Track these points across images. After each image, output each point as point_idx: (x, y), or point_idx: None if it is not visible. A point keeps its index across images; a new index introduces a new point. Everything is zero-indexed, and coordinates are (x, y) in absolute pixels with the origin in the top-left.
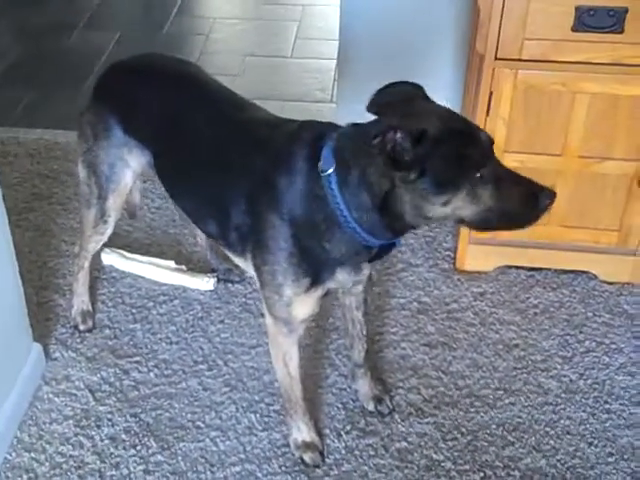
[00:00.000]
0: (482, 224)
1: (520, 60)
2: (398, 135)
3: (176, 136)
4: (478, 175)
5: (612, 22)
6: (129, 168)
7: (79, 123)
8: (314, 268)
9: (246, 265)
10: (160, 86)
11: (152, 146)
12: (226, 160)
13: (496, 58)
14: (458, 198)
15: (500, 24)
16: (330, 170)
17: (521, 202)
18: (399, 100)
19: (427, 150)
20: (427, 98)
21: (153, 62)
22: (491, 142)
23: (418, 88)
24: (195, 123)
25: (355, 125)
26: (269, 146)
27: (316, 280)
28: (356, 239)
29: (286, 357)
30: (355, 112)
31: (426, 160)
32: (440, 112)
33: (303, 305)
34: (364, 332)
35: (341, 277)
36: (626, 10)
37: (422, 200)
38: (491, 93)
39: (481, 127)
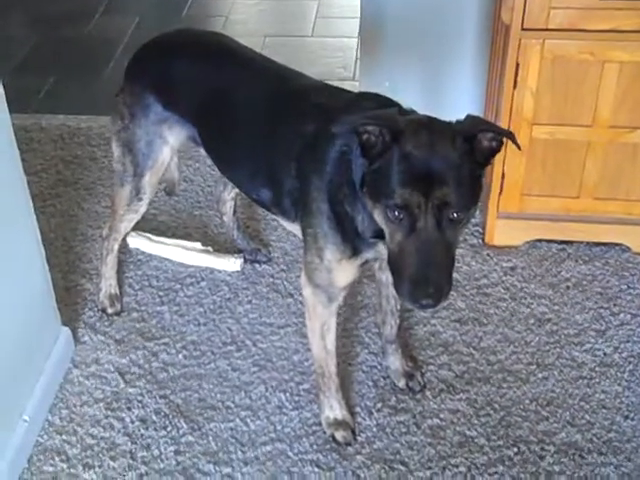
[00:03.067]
0: (389, 264)
1: (547, 30)
2: (375, 128)
3: (223, 107)
4: (396, 214)
5: None
6: (167, 145)
7: (114, 104)
8: (353, 235)
9: (298, 231)
10: (198, 59)
11: (196, 120)
12: (279, 127)
13: (522, 28)
14: (376, 214)
15: None
16: None
17: (407, 277)
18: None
19: (384, 153)
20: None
21: (186, 36)
22: (442, 203)
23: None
24: (241, 92)
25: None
26: (324, 112)
27: (356, 247)
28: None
29: (324, 328)
30: (378, 89)
31: (381, 160)
32: (442, 152)
33: (343, 272)
34: (398, 307)
35: (381, 248)
36: None
37: (365, 193)
38: (518, 64)
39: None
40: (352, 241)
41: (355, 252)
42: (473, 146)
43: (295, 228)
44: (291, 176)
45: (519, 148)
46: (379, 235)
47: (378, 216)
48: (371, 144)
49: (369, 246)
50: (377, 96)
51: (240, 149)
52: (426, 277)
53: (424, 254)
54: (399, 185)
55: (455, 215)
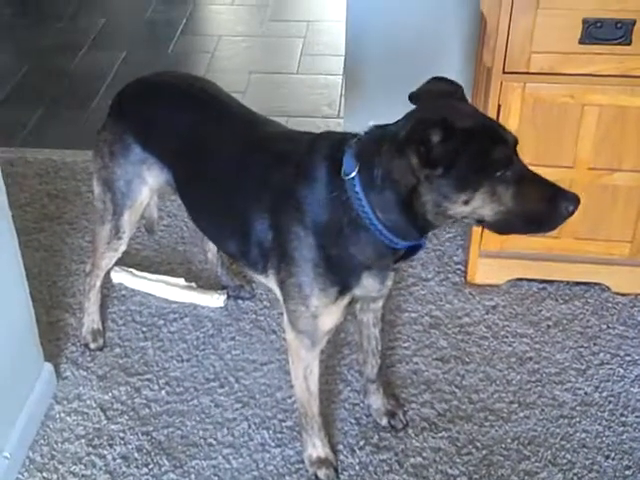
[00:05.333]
0: (502, 226)
1: (528, 73)
2: (430, 130)
3: (195, 154)
4: (499, 174)
5: (620, 34)
6: (146, 185)
7: (95, 142)
8: (341, 276)
9: (268, 282)
10: (179, 103)
11: (171, 164)
12: (245, 177)
13: (504, 71)
14: (478, 197)
15: (507, 37)
16: (353, 173)
17: (542, 205)
18: (433, 96)
19: (455, 147)
20: (463, 98)
21: (170, 79)
22: (515, 142)
23: (456, 86)
24: (213, 141)
25: (377, 127)
26: (289, 159)
27: (343, 288)
28: (381, 241)
29: (307, 371)
30: (363, 127)
31: (452, 157)
32: (469, 111)
33: (330, 315)
34: (379, 348)
35: (367, 283)
36: (633, 22)
37: (443, 199)
38: (499, 106)
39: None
40: (342, 281)
41: (343, 291)
42: None
43: (262, 279)
44: (262, 227)
45: None
46: (402, 257)
47: (478, 200)
48: (429, 152)
49: (357, 281)
50: (336, 133)
51: (208, 198)
52: (558, 187)
53: (539, 177)
54: (496, 150)
55: None
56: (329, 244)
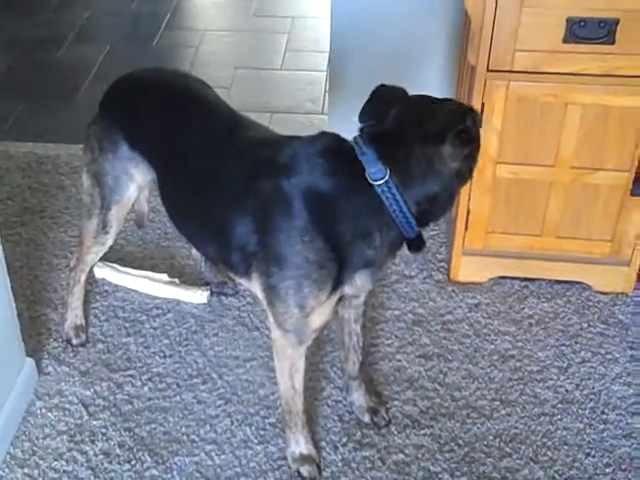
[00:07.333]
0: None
1: (512, 72)
2: (465, 118)
3: (177, 156)
4: None
5: (603, 33)
6: (134, 182)
7: (86, 135)
8: (337, 275)
9: (249, 284)
10: (165, 103)
11: (155, 164)
12: (227, 182)
13: (488, 70)
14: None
15: (492, 36)
16: (384, 178)
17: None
18: (399, 99)
19: (474, 121)
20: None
21: (159, 77)
22: None
23: (400, 88)
24: (196, 143)
25: (374, 129)
26: (277, 166)
27: (336, 286)
28: (405, 234)
29: (292, 369)
30: (346, 123)
31: (477, 129)
32: (433, 97)
33: (321, 314)
34: (360, 344)
35: (359, 281)
36: (617, 21)
37: (474, 161)
38: (483, 104)
39: None
40: (337, 279)
41: (335, 289)
42: None
43: (244, 281)
44: (245, 232)
45: None
46: (396, 247)
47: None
48: (469, 134)
49: (351, 280)
50: (325, 137)
51: (188, 202)
52: None
53: None
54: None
55: None
56: (343, 248)
